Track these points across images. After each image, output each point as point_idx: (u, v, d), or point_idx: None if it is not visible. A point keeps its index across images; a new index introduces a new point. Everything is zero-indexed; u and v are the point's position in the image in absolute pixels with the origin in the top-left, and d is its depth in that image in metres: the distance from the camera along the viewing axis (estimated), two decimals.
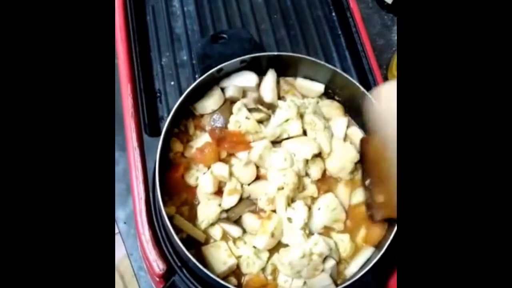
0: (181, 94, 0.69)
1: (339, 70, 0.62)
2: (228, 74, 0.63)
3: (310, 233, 0.58)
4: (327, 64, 0.62)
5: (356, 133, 0.65)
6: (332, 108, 0.66)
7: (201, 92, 0.63)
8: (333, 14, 0.77)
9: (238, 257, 0.57)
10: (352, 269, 0.58)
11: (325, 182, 0.62)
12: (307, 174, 0.61)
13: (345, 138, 0.65)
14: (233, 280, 0.56)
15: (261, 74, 0.66)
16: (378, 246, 0.58)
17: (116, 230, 0.75)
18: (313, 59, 0.63)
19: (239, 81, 0.63)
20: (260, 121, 0.62)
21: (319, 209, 0.58)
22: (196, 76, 0.70)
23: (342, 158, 0.61)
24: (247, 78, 0.63)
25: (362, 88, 0.60)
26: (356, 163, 0.62)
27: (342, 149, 0.61)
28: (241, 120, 0.59)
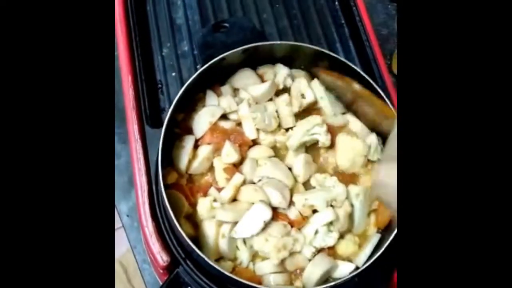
0: (182, 85, 0.68)
1: (346, 61, 0.61)
2: None
3: None
4: (333, 54, 0.61)
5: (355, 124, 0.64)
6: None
7: (203, 83, 0.62)
8: (336, 3, 0.76)
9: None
10: (362, 258, 0.57)
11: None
12: None
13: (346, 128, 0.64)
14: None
15: (260, 64, 0.65)
16: (385, 231, 0.58)
17: (120, 224, 0.75)
18: (319, 48, 0.62)
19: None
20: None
21: None
22: (198, 66, 0.69)
23: (351, 152, 0.59)
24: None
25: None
26: (366, 156, 0.60)
27: (349, 143, 0.60)
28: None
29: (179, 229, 0.51)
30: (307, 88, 0.62)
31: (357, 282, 0.51)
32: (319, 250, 0.56)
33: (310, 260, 0.55)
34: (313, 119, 0.60)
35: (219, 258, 0.56)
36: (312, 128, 0.60)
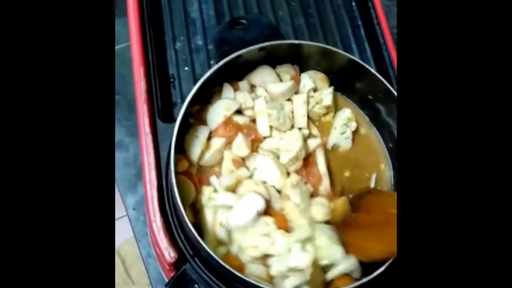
0: (195, 79, 0.67)
1: (353, 57, 0.60)
2: None
3: None
4: (338, 50, 0.61)
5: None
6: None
7: (217, 79, 0.61)
8: (354, 4, 0.75)
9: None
10: None
11: None
12: None
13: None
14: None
15: (278, 63, 0.65)
16: None
17: (120, 215, 0.74)
18: (325, 45, 0.61)
19: None
20: None
21: None
22: (211, 62, 0.69)
23: None
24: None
25: (381, 78, 0.59)
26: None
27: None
28: None
29: (190, 225, 0.51)
30: (329, 94, 0.62)
31: None
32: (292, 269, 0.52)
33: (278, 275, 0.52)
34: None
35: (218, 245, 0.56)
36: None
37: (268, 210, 0.55)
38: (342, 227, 0.55)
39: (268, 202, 0.55)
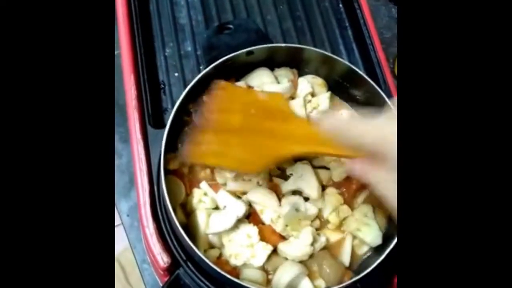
0: (185, 85, 0.68)
1: (353, 67, 0.61)
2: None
3: None
4: (339, 58, 0.61)
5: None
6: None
7: (206, 84, 0.62)
8: (341, 5, 0.76)
9: None
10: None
11: None
12: None
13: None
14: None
15: (277, 66, 0.66)
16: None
17: (118, 222, 0.75)
18: (326, 53, 0.61)
19: None
20: None
21: None
22: (201, 67, 0.69)
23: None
24: None
25: (379, 90, 0.60)
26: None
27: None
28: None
29: (181, 230, 0.51)
30: (326, 99, 0.63)
31: None
32: None
33: None
34: None
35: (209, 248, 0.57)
36: None
37: (256, 219, 0.56)
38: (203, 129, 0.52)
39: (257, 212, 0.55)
